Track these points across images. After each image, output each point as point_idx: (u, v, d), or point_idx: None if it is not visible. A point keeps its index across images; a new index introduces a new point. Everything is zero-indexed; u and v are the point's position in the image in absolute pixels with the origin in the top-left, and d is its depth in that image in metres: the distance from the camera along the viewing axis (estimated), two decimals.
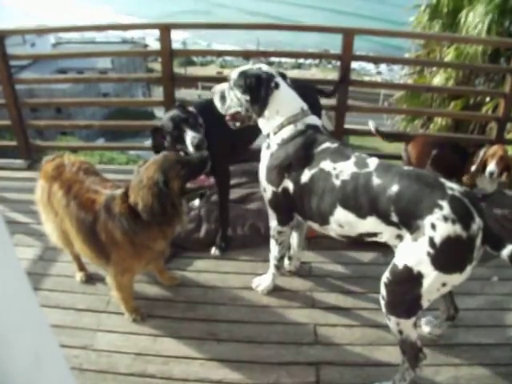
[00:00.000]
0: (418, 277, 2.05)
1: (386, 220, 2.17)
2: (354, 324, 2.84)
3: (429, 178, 2.15)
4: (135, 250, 2.54)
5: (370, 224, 2.24)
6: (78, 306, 2.93)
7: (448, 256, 1.99)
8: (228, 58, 50.04)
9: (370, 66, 48.49)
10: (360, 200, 2.23)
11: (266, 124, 2.60)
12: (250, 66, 2.65)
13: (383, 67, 47.51)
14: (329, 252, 3.43)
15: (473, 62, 6.96)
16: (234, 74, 2.63)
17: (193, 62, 50.15)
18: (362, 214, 2.25)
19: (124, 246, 2.51)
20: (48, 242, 3.07)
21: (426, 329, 2.77)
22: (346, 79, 4.34)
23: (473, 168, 3.81)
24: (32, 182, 3.01)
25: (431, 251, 1.99)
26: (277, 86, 2.52)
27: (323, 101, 4.04)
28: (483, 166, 3.74)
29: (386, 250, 3.42)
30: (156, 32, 4.34)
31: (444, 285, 2.06)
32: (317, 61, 51.56)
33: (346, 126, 4.74)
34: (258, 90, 2.50)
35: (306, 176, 2.42)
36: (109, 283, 2.73)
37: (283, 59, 48.49)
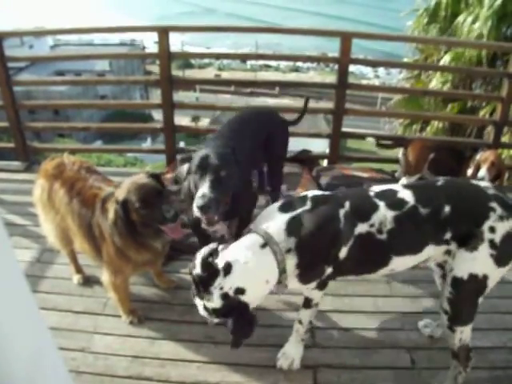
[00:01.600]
0: (484, 280, 2.10)
1: (440, 241, 2.13)
2: (351, 327, 2.84)
3: (465, 185, 2.25)
4: (119, 253, 2.54)
5: (426, 254, 2.17)
6: (75, 309, 2.93)
7: (507, 250, 2.08)
8: (226, 61, 50.15)
9: (368, 70, 48.71)
10: (414, 238, 2.14)
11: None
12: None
13: (381, 71, 47.72)
14: None
15: (470, 66, 6.99)
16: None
17: (191, 64, 50.25)
18: (418, 249, 2.15)
19: (110, 245, 2.52)
20: (45, 243, 3.07)
21: (426, 331, 2.78)
22: (305, 110, 4.03)
23: (469, 172, 3.82)
24: (29, 183, 3.01)
25: (494, 252, 2.05)
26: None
27: (321, 104, 4.04)
28: (477, 170, 3.76)
29: None
30: (154, 34, 4.34)
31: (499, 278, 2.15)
32: (314, 64, 51.71)
33: (344, 129, 4.75)
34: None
35: (343, 252, 2.12)
36: (104, 283, 2.74)
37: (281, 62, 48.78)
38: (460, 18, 7.27)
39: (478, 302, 2.16)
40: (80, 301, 2.99)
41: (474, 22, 7.00)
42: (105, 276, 2.69)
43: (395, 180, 4.44)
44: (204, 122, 29.97)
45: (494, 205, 2.06)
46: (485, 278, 2.10)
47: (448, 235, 2.10)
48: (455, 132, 7.65)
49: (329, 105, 4.61)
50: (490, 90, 7.41)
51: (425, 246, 2.13)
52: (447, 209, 2.06)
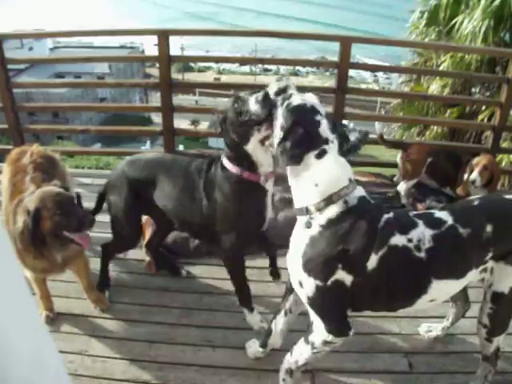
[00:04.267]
0: None
1: (482, 263, 2.03)
2: None
3: (502, 200, 2.13)
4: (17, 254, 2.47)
5: (469, 279, 2.03)
6: (73, 312, 2.92)
7: None
8: (226, 65, 50.24)
9: (368, 74, 48.82)
10: (455, 260, 1.97)
11: (300, 193, 1.96)
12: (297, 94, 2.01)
13: (380, 75, 47.84)
14: None
15: (469, 70, 7.00)
16: (277, 87, 2.15)
17: (190, 67, 50.35)
18: (461, 273, 1.99)
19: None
20: None
21: (431, 334, 2.79)
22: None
23: (465, 177, 3.84)
24: None
25: None
26: (323, 153, 1.86)
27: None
28: (470, 174, 3.77)
29: None
30: (154, 37, 4.35)
31: None
32: (314, 68, 51.83)
33: None
34: (296, 143, 1.84)
35: (372, 261, 1.86)
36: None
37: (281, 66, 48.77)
38: (458, 20, 7.26)
39: None
40: (78, 304, 2.98)
41: (470, 24, 6.99)
42: None
43: (394, 184, 4.44)
44: (203, 126, 29.97)
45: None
46: None
47: (490, 255, 1.99)
48: (455, 137, 7.65)
49: (328, 109, 4.61)
50: (490, 95, 7.41)
51: (468, 271, 1.98)
52: (489, 228, 1.93)
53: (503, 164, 6.15)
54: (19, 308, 0.79)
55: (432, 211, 2.04)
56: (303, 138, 1.84)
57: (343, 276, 1.88)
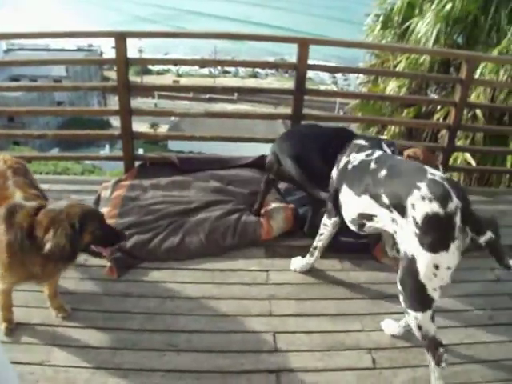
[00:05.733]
0: (413, 262, 2.20)
1: (379, 201, 2.42)
2: (312, 330, 2.87)
3: (414, 165, 2.46)
4: (12, 263, 2.43)
5: (365, 202, 2.53)
6: (32, 321, 2.84)
7: (430, 233, 2.14)
8: (185, 67, 49.96)
9: (326, 76, 49.40)
10: (362, 181, 2.56)
11: None
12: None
13: (339, 76, 48.48)
14: (286, 260, 3.44)
15: (424, 71, 7.17)
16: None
17: (149, 70, 49.97)
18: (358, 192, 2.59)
19: (3, 253, 2.41)
20: None
21: (394, 330, 2.85)
22: None
23: None
24: None
25: (416, 231, 2.16)
26: None
27: (280, 109, 4.10)
28: None
29: (341, 256, 3.53)
30: (112, 40, 4.28)
31: (437, 267, 2.17)
32: (273, 70, 52.10)
33: None
34: None
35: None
36: None
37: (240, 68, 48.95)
38: (413, 23, 7.44)
39: (426, 292, 2.23)
40: (38, 313, 2.90)
41: (424, 26, 7.17)
42: None
43: None
44: (163, 129, 29.77)
45: (421, 185, 2.19)
46: (414, 260, 2.20)
47: (385, 199, 2.37)
48: (412, 136, 7.81)
49: (287, 110, 4.65)
50: (445, 95, 7.61)
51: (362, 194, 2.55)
52: (383, 172, 2.43)
53: (458, 162, 6.32)
54: None
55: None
56: None
57: None
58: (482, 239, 2.15)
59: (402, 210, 2.27)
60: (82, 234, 2.39)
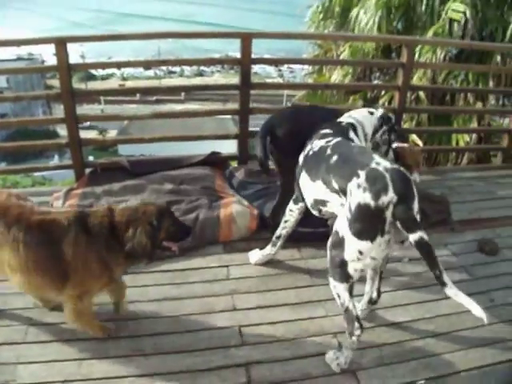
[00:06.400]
0: (342, 240, 2.28)
1: (329, 186, 2.47)
2: (276, 321, 2.90)
3: (363, 152, 2.47)
4: (99, 268, 2.47)
5: (319, 188, 2.58)
6: None
7: (359, 221, 2.20)
8: (129, 70, 49.11)
9: (272, 70, 49.61)
10: (318, 167, 2.58)
11: None
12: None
13: (284, 69, 48.78)
14: (245, 254, 3.48)
15: (367, 58, 7.32)
16: None
17: (93, 76, 48.95)
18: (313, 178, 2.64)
19: (91, 262, 2.44)
20: None
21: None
22: None
23: None
24: None
25: (348, 215, 2.23)
26: None
27: (228, 105, 4.09)
28: None
29: (300, 245, 3.57)
30: (52, 46, 4.17)
31: (361, 253, 2.24)
32: (219, 67, 51.96)
33: (251, 128, 4.80)
34: None
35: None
36: (66, 314, 2.63)
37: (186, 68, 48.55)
38: (353, 12, 7.57)
39: (347, 268, 2.33)
40: None
41: (365, 15, 7.31)
42: (68, 304, 2.58)
43: None
44: (112, 134, 29.25)
45: (361, 173, 2.23)
46: (342, 239, 2.29)
47: (335, 184, 2.41)
48: None
49: (235, 106, 4.66)
50: (388, 80, 7.78)
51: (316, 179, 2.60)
52: (335, 157, 2.47)
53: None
54: None
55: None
56: None
57: None
58: (412, 238, 2.12)
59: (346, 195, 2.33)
60: (160, 230, 2.47)
